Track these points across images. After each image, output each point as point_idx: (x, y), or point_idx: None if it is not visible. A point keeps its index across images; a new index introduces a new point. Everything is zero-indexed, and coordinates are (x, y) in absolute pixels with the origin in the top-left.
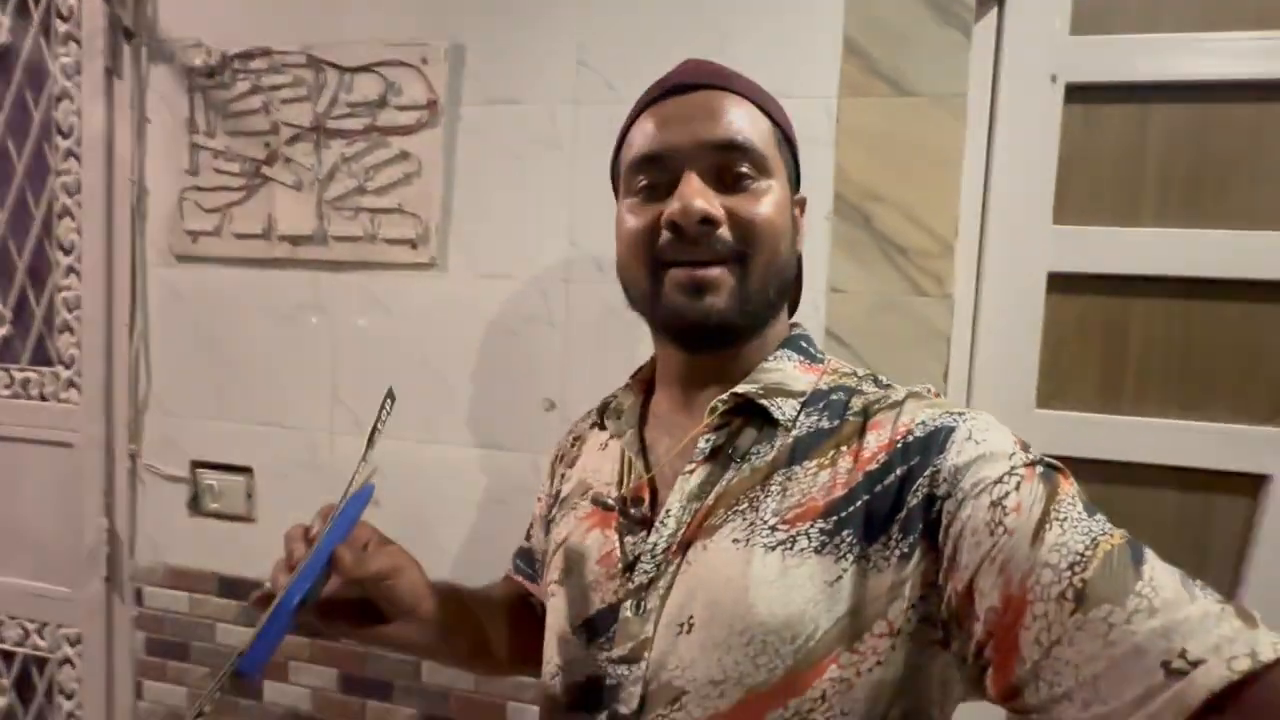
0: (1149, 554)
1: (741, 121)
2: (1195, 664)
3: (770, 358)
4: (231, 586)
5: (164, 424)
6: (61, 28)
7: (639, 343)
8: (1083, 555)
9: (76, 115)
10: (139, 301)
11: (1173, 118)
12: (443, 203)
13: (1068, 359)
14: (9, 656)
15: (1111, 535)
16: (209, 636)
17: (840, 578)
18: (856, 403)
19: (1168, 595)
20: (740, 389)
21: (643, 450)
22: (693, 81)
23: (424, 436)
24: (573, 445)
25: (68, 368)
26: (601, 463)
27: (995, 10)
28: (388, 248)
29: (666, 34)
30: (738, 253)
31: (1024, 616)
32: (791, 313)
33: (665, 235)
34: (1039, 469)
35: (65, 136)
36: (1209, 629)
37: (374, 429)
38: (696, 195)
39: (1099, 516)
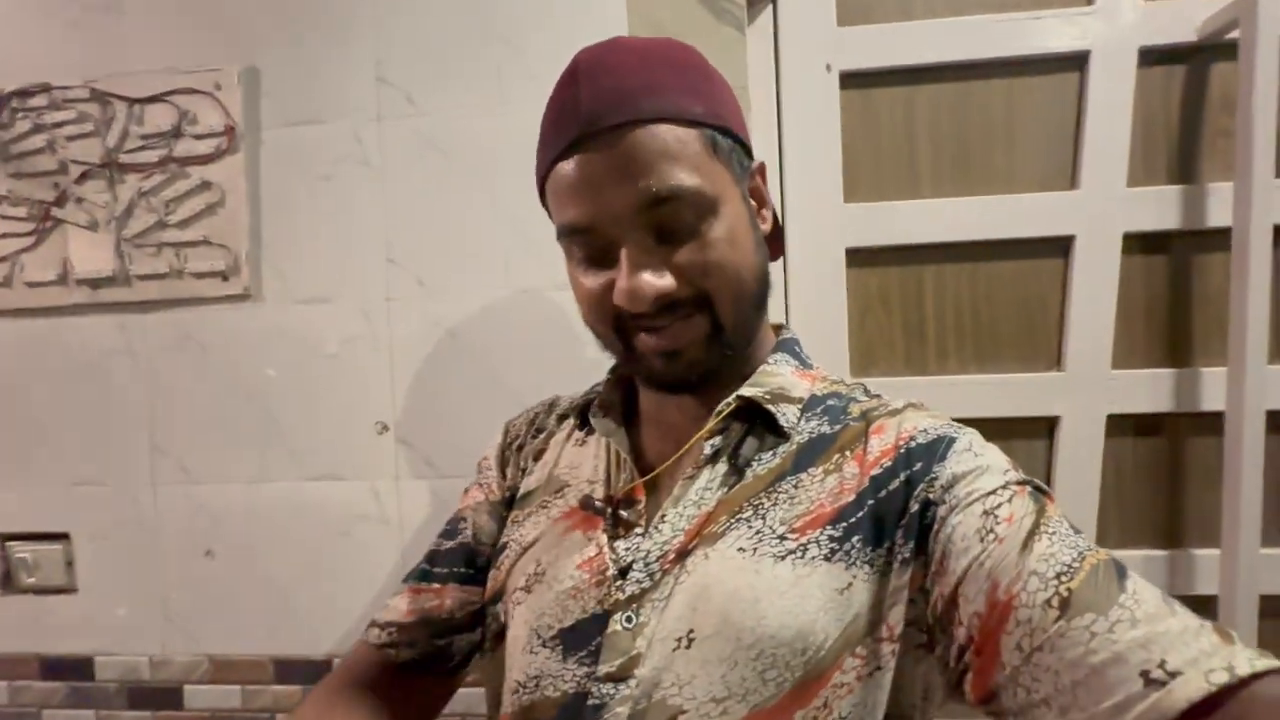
0: (1132, 571)
1: (665, 164)
2: (1174, 675)
3: (770, 360)
4: (57, 666)
5: None
6: None
7: (465, 355)
8: (1070, 566)
9: None
10: None
11: (936, 96)
12: (250, 230)
13: (873, 328)
14: None
15: (1097, 552)
16: None
17: (850, 585)
18: (854, 409)
19: (1150, 609)
20: (746, 392)
21: (633, 450)
22: (598, 124)
23: (254, 475)
24: (534, 436)
25: None
26: (580, 459)
27: (770, 7)
28: (196, 282)
29: (460, 46)
30: (701, 299)
31: (1007, 622)
32: (775, 257)
33: (624, 309)
34: (1029, 488)
35: None
36: (1188, 642)
37: None
38: (641, 278)
39: (1083, 535)
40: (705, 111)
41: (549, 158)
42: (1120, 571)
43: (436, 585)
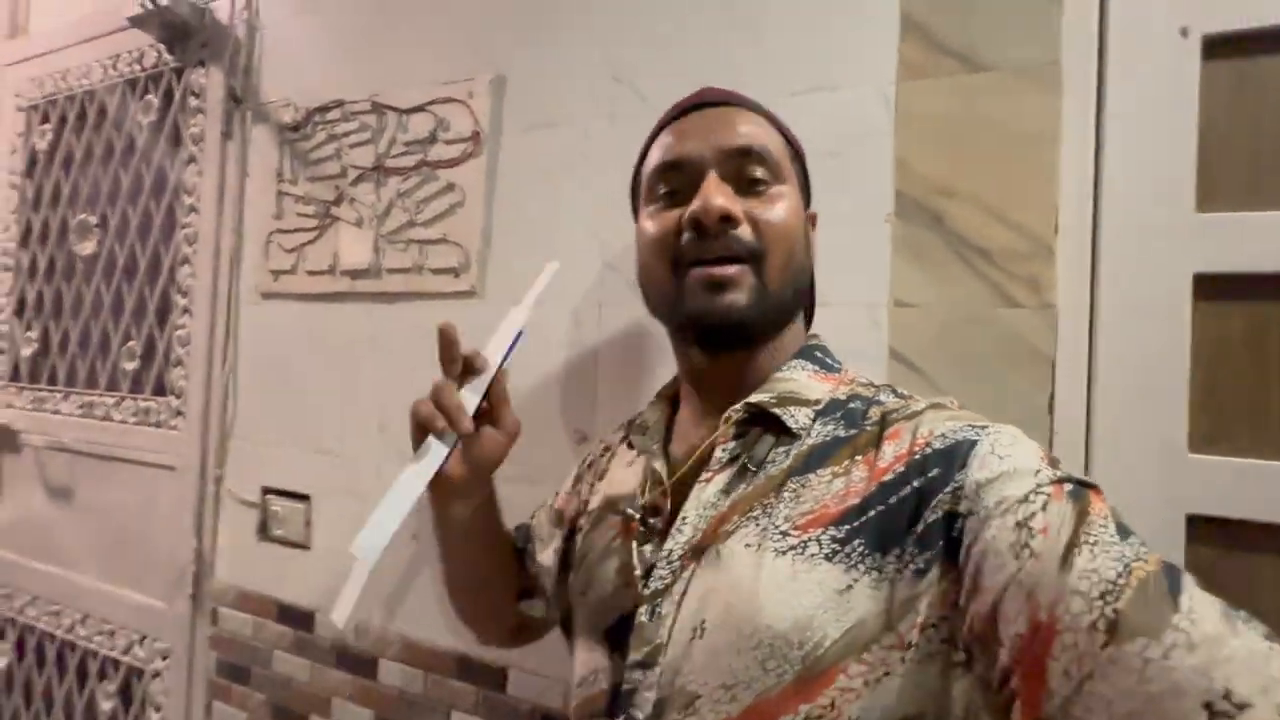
0: (1188, 580)
1: (756, 131)
2: (1241, 706)
3: (784, 367)
4: (287, 614)
5: (243, 451)
6: (193, 103)
7: (670, 365)
8: (1115, 583)
9: (199, 176)
10: (231, 336)
11: None
12: (483, 231)
13: (1230, 388)
14: (116, 664)
15: (1146, 560)
16: (266, 663)
17: (851, 587)
18: (874, 412)
19: (1208, 629)
20: (753, 398)
21: (666, 464)
22: (708, 100)
23: None
24: (603, 455)
25: (177, 398)
26: (626, 476)
27: None
28: (433, 277)
29: (699, 34)
30: (755, 252)
31: (1052, 646)
32: (808, 326)
33: (686, 235)
34: (1067, 487)
35: (189, 195)
36: (1256, 668)
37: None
38: (717, 193)
39: (1133, 538)
40: (792, 139)
41: (656, 130)
42: (1173, 583)
43: (529, 548)
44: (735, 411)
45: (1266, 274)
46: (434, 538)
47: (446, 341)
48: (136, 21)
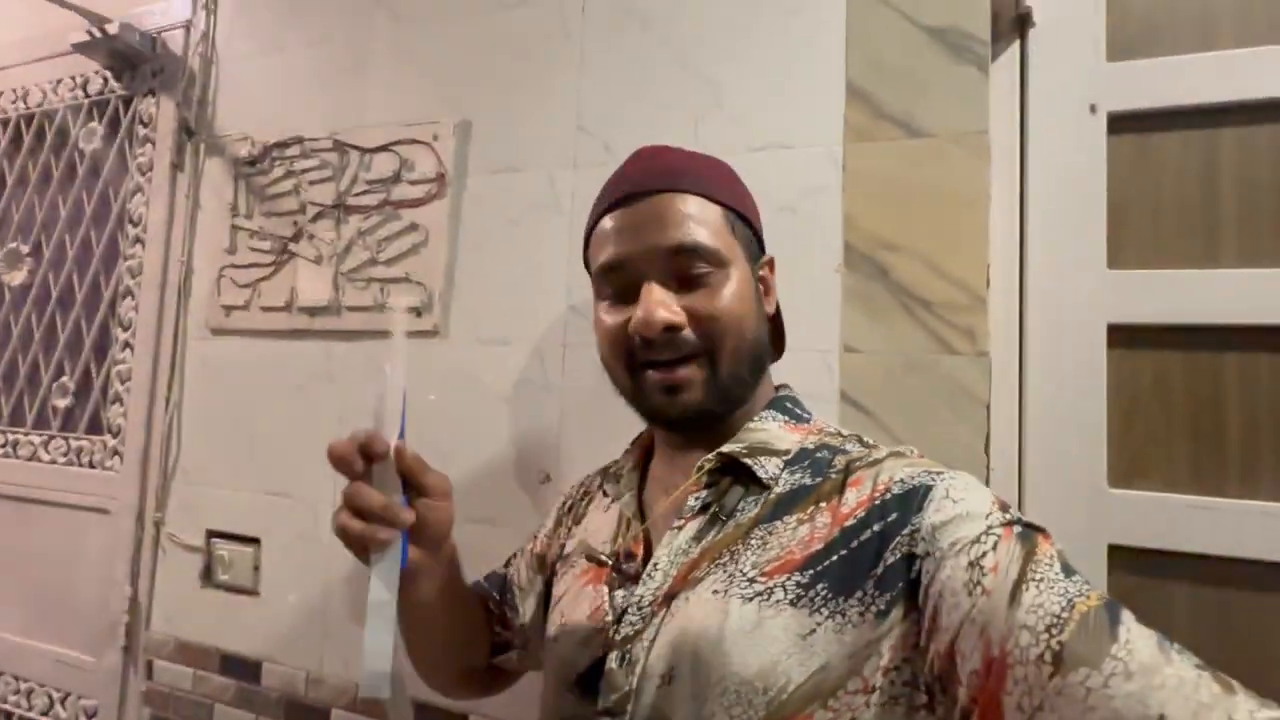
0: (1126, 615)
1: (690, 223)
2: None
3: (756, 418)
4: (231, 664)
5: (186, 492)
6: (141, 131)
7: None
8: (1059, 617)
9: (145, 206)
10: (177, 372)
11: (1248, 141)
12: (446, 270)
13: (1145, 427)
14: None
15: (1088, 597)
16: (206, 718)
17: (814, 631)
18: (839, 460)
19: (1144, 659)
20: (726, 449)
21: (640, 511)
22: (642, 188)
23: None
24: (582, 499)
25: (114, 436)
26: (601, 523)
27: (1017, 42)
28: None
29: (661, 91)
30: (703, 349)
31: (1005, 681)
32: (777, 357)
33: (635, 340)
34: (1016, 528)
35: (134, 225)
36: (1187, 695)
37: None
38: (657, 306)
39: (1076, 577)
40: (729, 197)
41: (597, 213)
42: (1113, 616)
43: (508, 598)
44: (708, 461)
45: (1170, 325)
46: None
47: (338, 459)
48: (82, 48)
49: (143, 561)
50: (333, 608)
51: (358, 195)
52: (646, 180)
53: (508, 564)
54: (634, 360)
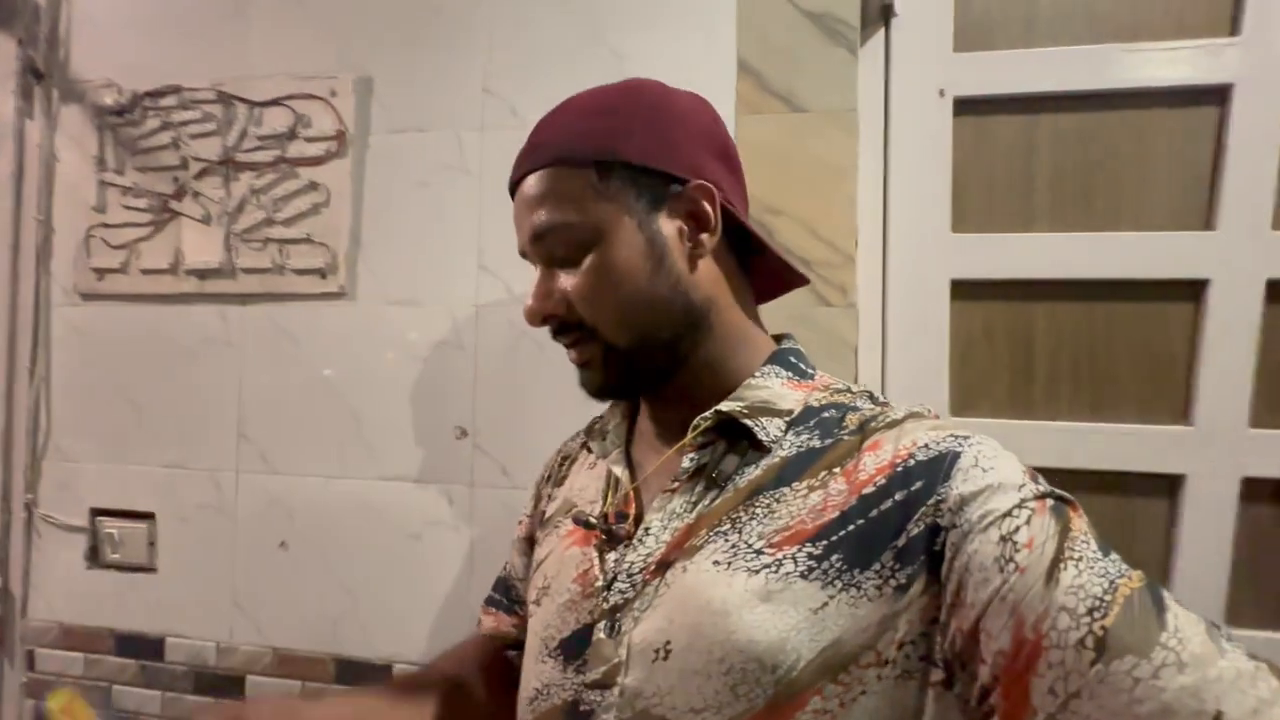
0: (1169, 599)
1: (540, 207)
2: None
3: (758, 373)
4: (130, 643)
5: (63, 471)
6: None
7: (549, 365)
8: (1102, 599)
9: None
10: (41, 343)
11: (1058, 127)
12: (351, 231)
13: (976, 366)
14: None
15: (1130, 578)
16: (103, 701)
17: (826, 604)
18: (851, 420)
19: (1196, 649)
20: (724, 407)
21: (629, 469)
22: (516, 176)
23: (332, 471)
24: (561, 465)
25: None
26: (588, 481)
27: (882, 30)
28: (296, 278)
29: (567, 59)
30: (585, 327)
31: (1037, 664)
32: (771, 297)
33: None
34: (1050, 502)
35: None
36: (1244, 689)
37: None
38: (530, 299)
39: (1113, 556)
40: (596, 150)
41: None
42: (1158, 601)
43: (493, 610)
44: (704, 419)
45: (997, 280)
46: (303, 546)
47: None
48: None
49: (12, 547)
50: (242, 575)
51: (249, 151)
52: (518, 165)
53: (506, 564)
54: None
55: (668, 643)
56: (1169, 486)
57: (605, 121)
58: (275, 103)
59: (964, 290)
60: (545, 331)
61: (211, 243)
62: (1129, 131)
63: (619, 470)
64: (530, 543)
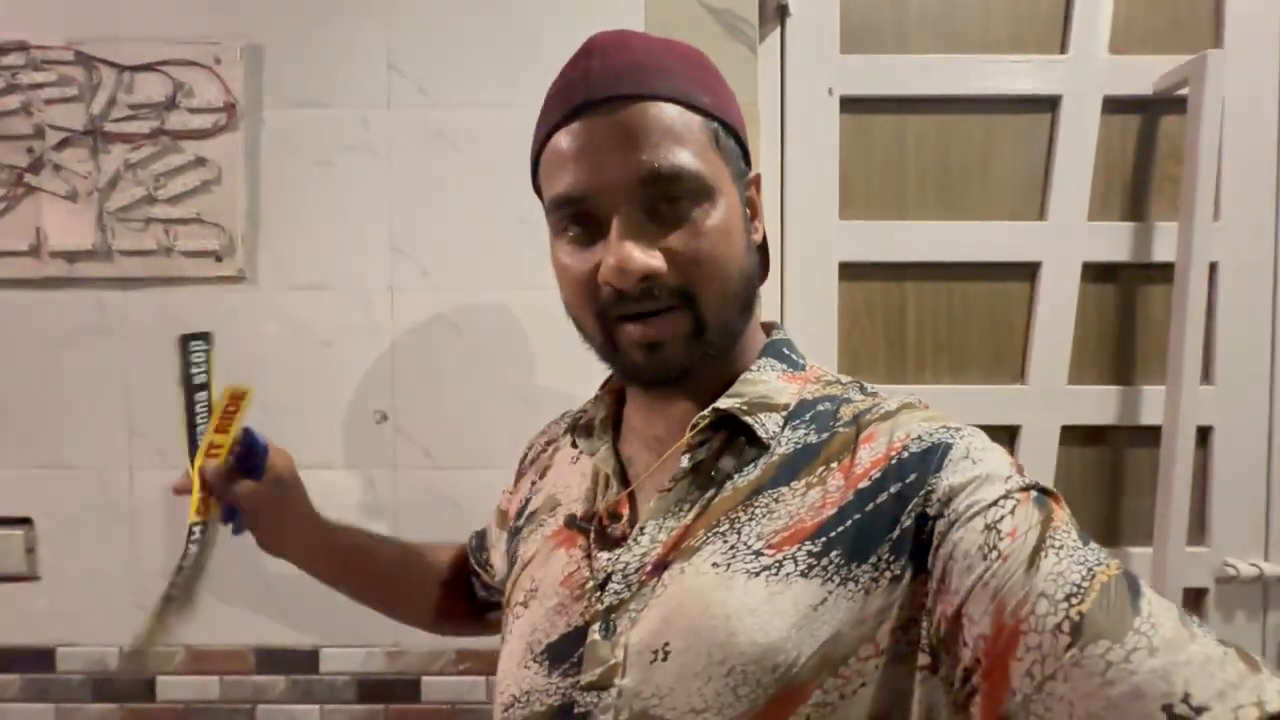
0: (1145, 587)
1: (670, 142)
2: (1199, 710)
3: (754, 367)
4: (14, 658)
5: None
6: None
7: (467, 346)
8: (1079, 586)
9: None
10: None
11: (924, 126)
12: (248, 212)
13: (859, 338)
14: None
15: (1107, 566)
16: None
17: (825, 600)
18: (845, 412)
19: (1167, 634)
20: (723, 404)
21: (619, 466)
22: (603, 94)
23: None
24: (546, 449)
25: None
26: (571, 478)
27: (778, 29)
28: (186, 261)
29: (476, 37)
30: (686, 295)
31: (1016, 647)
32: (762, 281)
33: (607, 291)
34: (1033, 494)
35: None
36: (1212, 673)
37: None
38: (631, 251)
39: (1093, 545)
40: (713, 104)
41: (546, 128)
42: (1133, 589)
43: (481, 557)
44: (703, 418)
45: (876, 262)
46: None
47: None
48: None
49: None
50: (142, 575)
51: (119, 121)
52: (607, 82)
53: (487, 526)
54: (605, 314)
55: (666, 644)
56: (1009, 436)
57: (707, 74)
58: (149, 68)
59: (850, 271)
60: (460, 312)
61: (80, 222)
62: (979, 132)
63: (609, 468)
64: (504, 516)
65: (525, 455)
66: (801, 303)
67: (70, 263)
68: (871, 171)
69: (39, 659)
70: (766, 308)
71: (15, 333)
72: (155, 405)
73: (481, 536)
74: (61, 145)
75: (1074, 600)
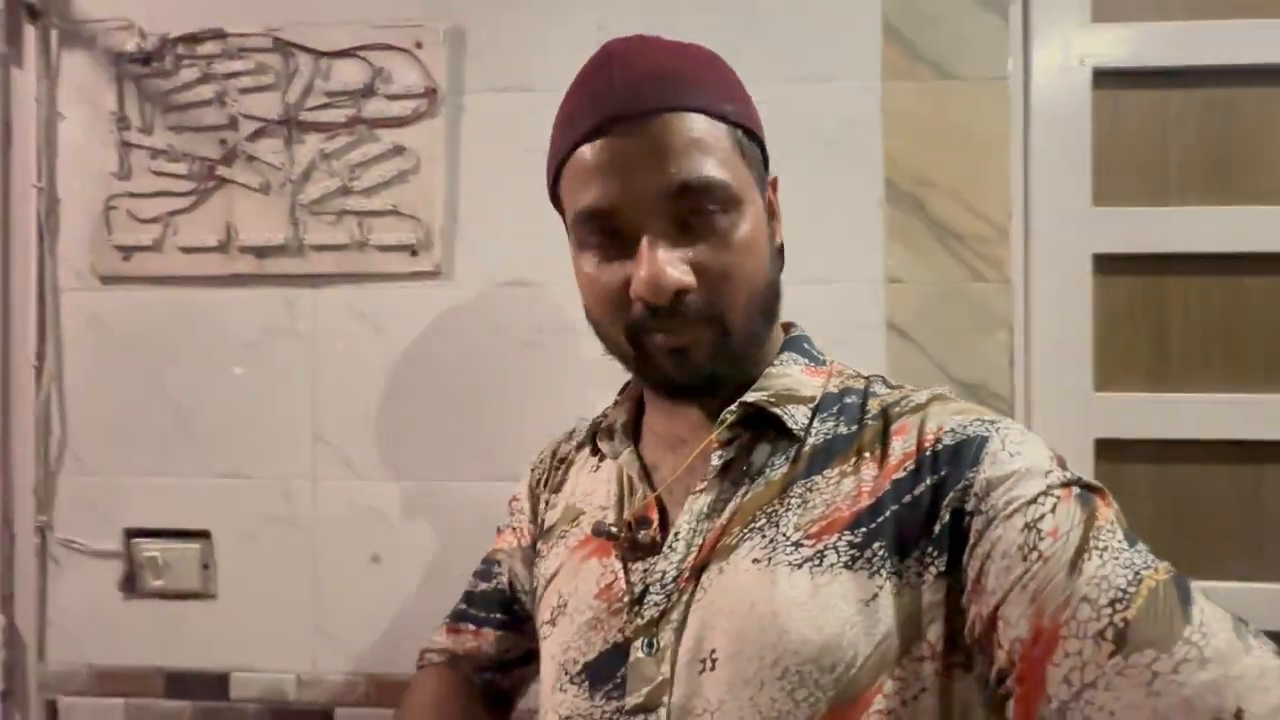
0: (1196, 592)
1: (698, 154)
2: None
3: (776, 362)
4: (183, 683)
5: (84, 487)
6: None
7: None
8: (1125, 591)
9: None
10: (49, 335)
11: (1191, 101)
12: (447, 203)
13: (1118, 341)
14: None
15: (1156, 570)
16: None
17: (876, 595)
18: (873, 405)
19: (1219, 644)
20: (750, 398)
21: (644, 470)
22: (632, 108)
23: (442, 473)
24: (556, 468)
25: None
26: (594, 486)
27: None
28: (381, 256)
29: (691, 10)
30: (713, 310)
31: (1054, 653)
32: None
33: (638, 306)
34: (1076, 490)
35: None
36: (1268, 688)
37: None
38: (664, 267)
39: (1140, 546)
40: (736, 111)
41: (571, 141)
42: (1184, 595)
43: (473, 627)
44: (730, 413)
45: (1142, 254)
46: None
47: None
48: None
49: (19, 579)
50: (323, 596)
51: (315, 110)
52: (634, 95)
53: (488, 577)
54: (635, 329)
55: (713, 651)
56: None
57: (728, 80)
58: (347, 54)
59: (1106, 265)
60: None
61: (273, 215)
62: (1264, 106)
63: (634, 472)
64: (535, 552)
65: (533, 480)
66: (1049, 302)
67: (259, 258)
68: (1129, 153)
69: (213, 684)
70: (1005, 306)
71: (200, 331)
72: (341, 410)
73: (485, 598)
74: (255, 136)
75: (1119, 606)
